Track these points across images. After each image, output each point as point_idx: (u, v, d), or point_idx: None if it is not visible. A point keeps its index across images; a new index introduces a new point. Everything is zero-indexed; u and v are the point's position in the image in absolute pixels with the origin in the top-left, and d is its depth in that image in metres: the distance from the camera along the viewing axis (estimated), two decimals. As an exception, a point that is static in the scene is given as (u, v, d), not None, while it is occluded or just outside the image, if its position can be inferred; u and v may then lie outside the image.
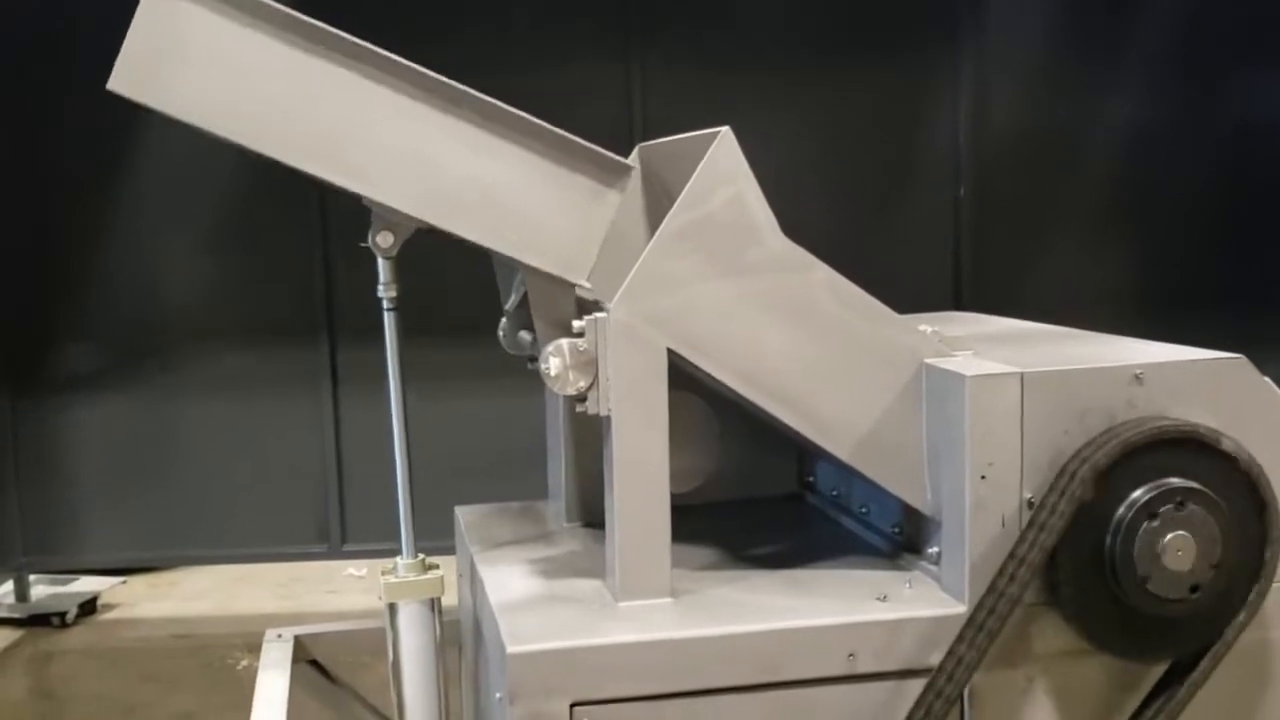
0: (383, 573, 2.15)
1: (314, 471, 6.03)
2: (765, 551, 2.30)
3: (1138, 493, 1.89)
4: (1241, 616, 1.94)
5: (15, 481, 6.07)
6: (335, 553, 6.07)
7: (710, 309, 1.98)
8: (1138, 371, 1.95)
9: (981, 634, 1.86)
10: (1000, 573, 1.88)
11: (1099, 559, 1.89)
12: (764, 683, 1.88)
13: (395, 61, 1.92)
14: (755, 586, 2.10)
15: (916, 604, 1.97)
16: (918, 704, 1.86)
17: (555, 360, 1.94)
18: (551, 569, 2.23)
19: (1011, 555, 1.88)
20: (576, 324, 1.97)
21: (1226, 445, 1.91)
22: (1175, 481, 1.89)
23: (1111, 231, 6.15)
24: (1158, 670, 1.99)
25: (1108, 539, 1.89)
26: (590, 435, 2.46)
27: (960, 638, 1.87)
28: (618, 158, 2.00)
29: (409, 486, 2.17)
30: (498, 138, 1.96)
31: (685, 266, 1.96)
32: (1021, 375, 1.91)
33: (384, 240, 2.03)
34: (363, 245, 2.03)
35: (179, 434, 6.06)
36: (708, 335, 1.98)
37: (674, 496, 2.58)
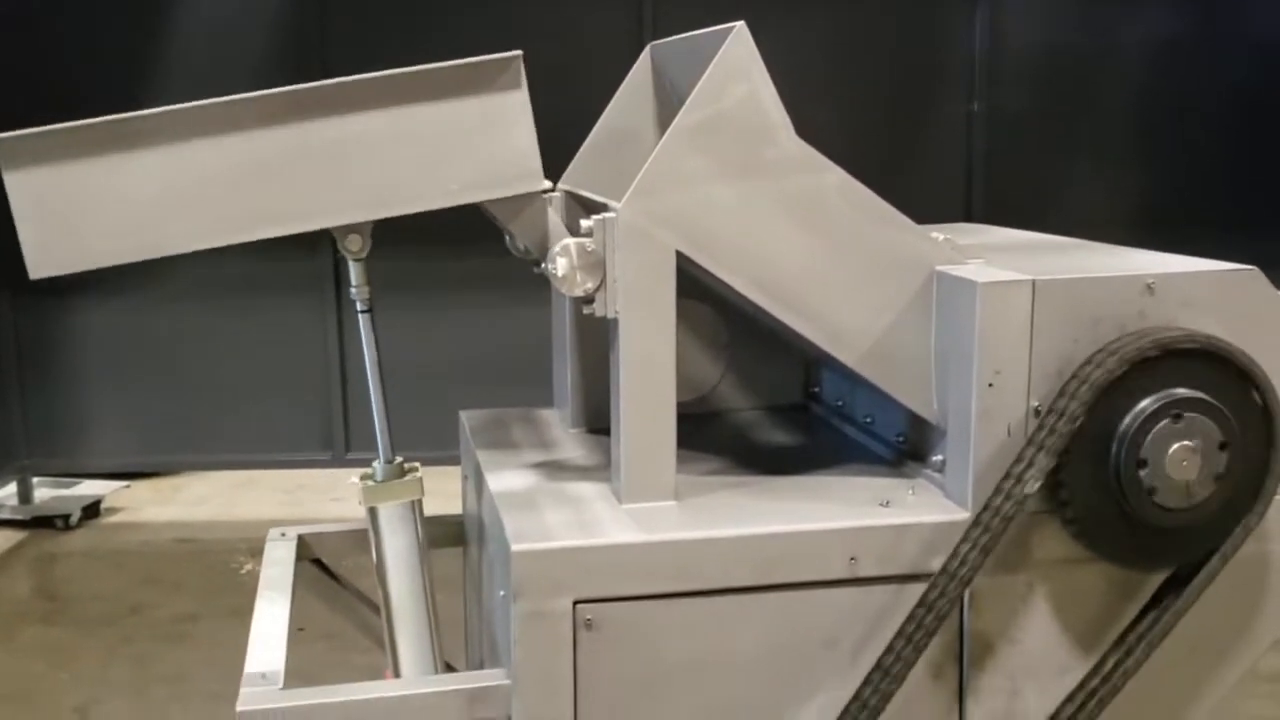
0: (361, 478, 2.16)
1: (318, 378, 6.05)
2: (769, 459, 2.30)
3: (1145, 402, 1.88)
4: (1243, 528, 1.94)
5: (18, 384, 6.08)
6: (339, 460, 6.10)
7: (721, 210, 1.96)
8: (1149, 281, 1.93)
9: (985, 538, 1.86)
10: (1005, 479, 1.88)
11: (1104, 468, 1.89)
12: (764, 584, 1.89)
13: (242, 102, 1.86)
14: (758, 491, 2.10)
15: (919, 510, 1.97)
16: (919, 604, 1.87)
17: (563, 260, 1.93)
18: (555, 472, 2.23)
19: (1017, 461, 1.88)
20: (585, 223, 1.95)
21: (1236, 356, 1.90)
22: (1183, 392, 1.88)
23: (1128, 150, 6.10)
24: (1157, 579, 2.00)
25: (1113, 448, 1.88)
26: (596, 341, 2.46)
27: (964, 541, 1.87)
28: (492, 57, 1.91)
29: (382, 390, 2.16)
30: (369, 111, 1.88)
31: (696, 166, 1.94)
32: (1033, 283, 1.90)
33: (353, 244, 2.00)
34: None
35: (183, 338, 6.07)
36: (718, 237, 1.96)
37: (680, 405, 2.61)
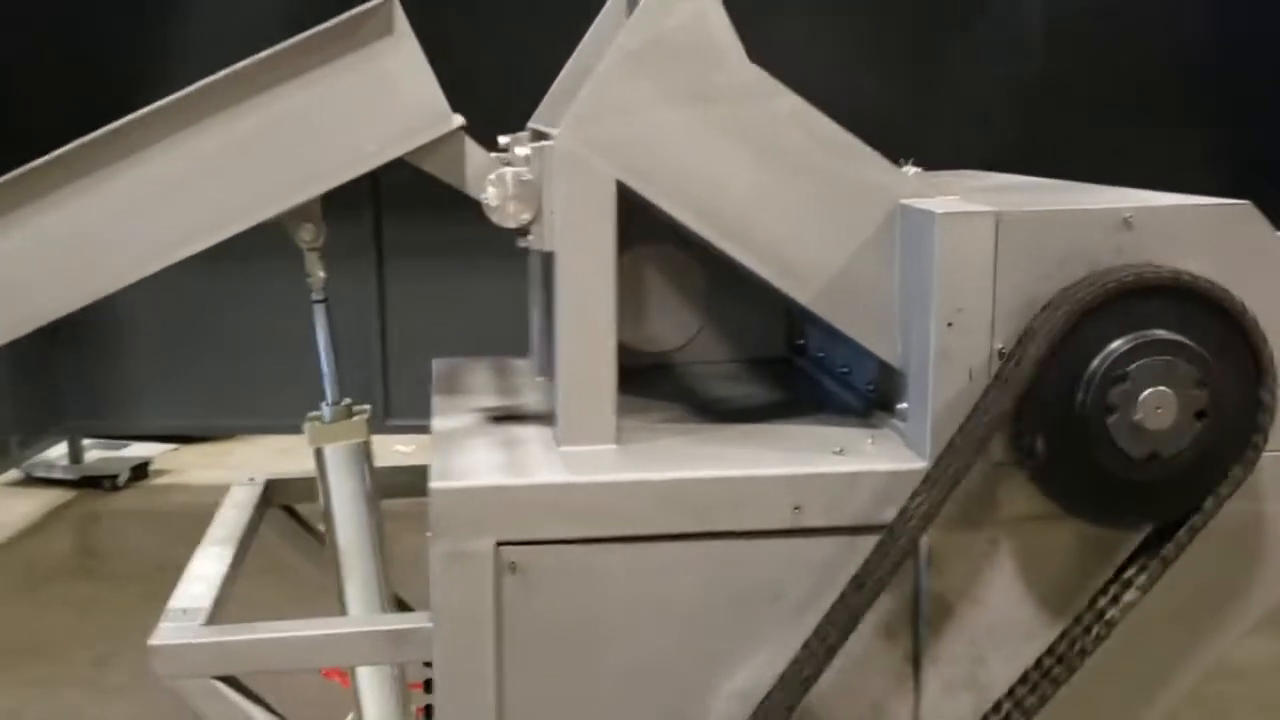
0: (309, 419, 2.10)
1: (360, 345, 6.03)
2: (735, 408, 2.19)
3: (1114, 344, 1.73)
4: (1226, 485, 1.78)
5: (71, 346, 6.15)
6: (379, 427, 6.05)
7: (665, 138, 1.85)
8: (1127, 215, 1.78)
9: (939, 488, 1.73)
10: (963, 425, 1.75)
11: (1069, 415, 1.75)
12: (703, 531, 1.79)
13: (141, 120, 1.81)
14: (708, 438, 1.99)
15: (873, 458, 1.85)
16: (868, 560, 1.75)
17: (494, 190, 1.83)
18: (504, 415, 2.14)
19: (976, 407, 1.75)
20: (520, 151, 1.85)
21: (1219, 296, 1.75)
22: (1157, 333, 1.74)
23: (1185, 118, 5.81)
24: (1135, 538, 1.85)
25: (1079, 393, 1.74)
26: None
27: (917, 491, 1.75)
28: (361, 8, 1.81)
29: (330, 334, 2.11)
30: (265, 95, 1.81)
31: (639, 90, 1.83)
32: (997, 215, 1.76)
33: (306, 234, 1.97)
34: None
35: (229, 304, 6.09)
36: (662, 167, 1.85)
37: (658, 354, 2.52)
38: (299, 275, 2.01)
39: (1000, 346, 1.78)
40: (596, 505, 1.77)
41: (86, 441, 6.45)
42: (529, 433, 2.00)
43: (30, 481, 6.37)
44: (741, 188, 1.87)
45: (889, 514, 1.77)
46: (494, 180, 1.83)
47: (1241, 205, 1.81)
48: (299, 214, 1.95)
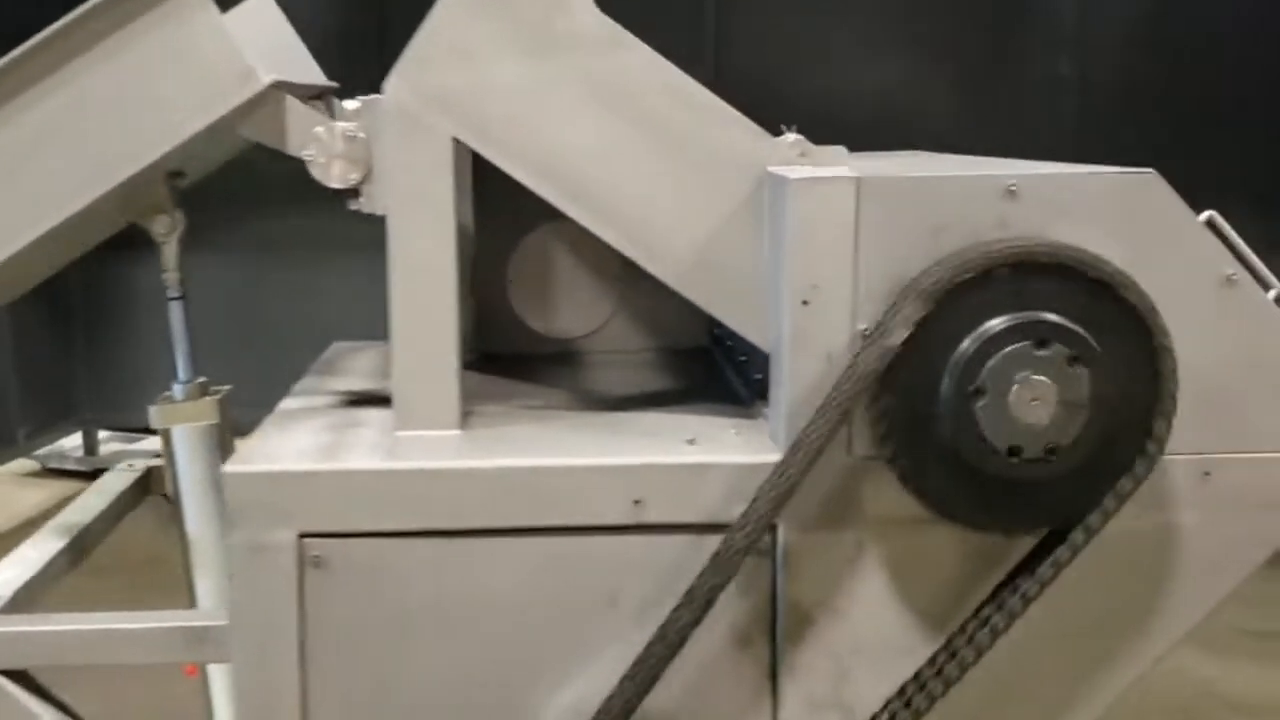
0: (160, 399, 1.97)
1: (376, 338, 5.93)
2: (612, 397, 2.02)
3: (985, 325, 1.53)
4: (1122, 488, 1.57)
5: (86, 338, 6.15)
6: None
7: (506, 91, 1.69)
8: (1011, 184, 1.58)
9: (782, 484, 1.55)
10: (816, 415, 1.56)
11: (933, 405, 1.55)
12: (533, 526, 1.62)
13: None
14: (565, 425, 1.83)
15: (726, 449, 1.67)
16: (710, 562, 1.57)
17: (317, 146, 1.69)
18: (360, 399, 1.99)
19: (831, 394, 1.56)
20: (348, 104, 1.70)
21: (1109, 275, 1.54)
22: (1035, 315, 1.53)
23: (1244, 125, 5.49)
24: (1027, 546, 1.65)
25: (944, 381, 1.54)
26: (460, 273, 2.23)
27: (761, 488, 1.56)
28: None
29: (184, 314, 1.99)
30: (49, 77, 1.68)
31: (476, 37, 1.67)
32: (857, 180, 1.57)
33: (160, 226, 1.88)
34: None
35: (245, 297, 6.04)
36: (503, 123, 1.69)
37: (569, 341, 2.36)
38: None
39: (864, 328, 1.59)
40: (412, 495, 1.61)
41: (103, 434, 6.44)
42: (374, 416, 1.85)
43: (46, 472, 6.36)
44: (589, 148, 1.70)
45: (741, 511, 1.59)
46: (317, 134, 1.68)
47: (1145, 175, 1.61)
48: (148, 206, 1.85)
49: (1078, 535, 1.58)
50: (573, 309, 2.32)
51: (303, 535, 1.59)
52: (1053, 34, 5.59)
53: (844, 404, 1.54)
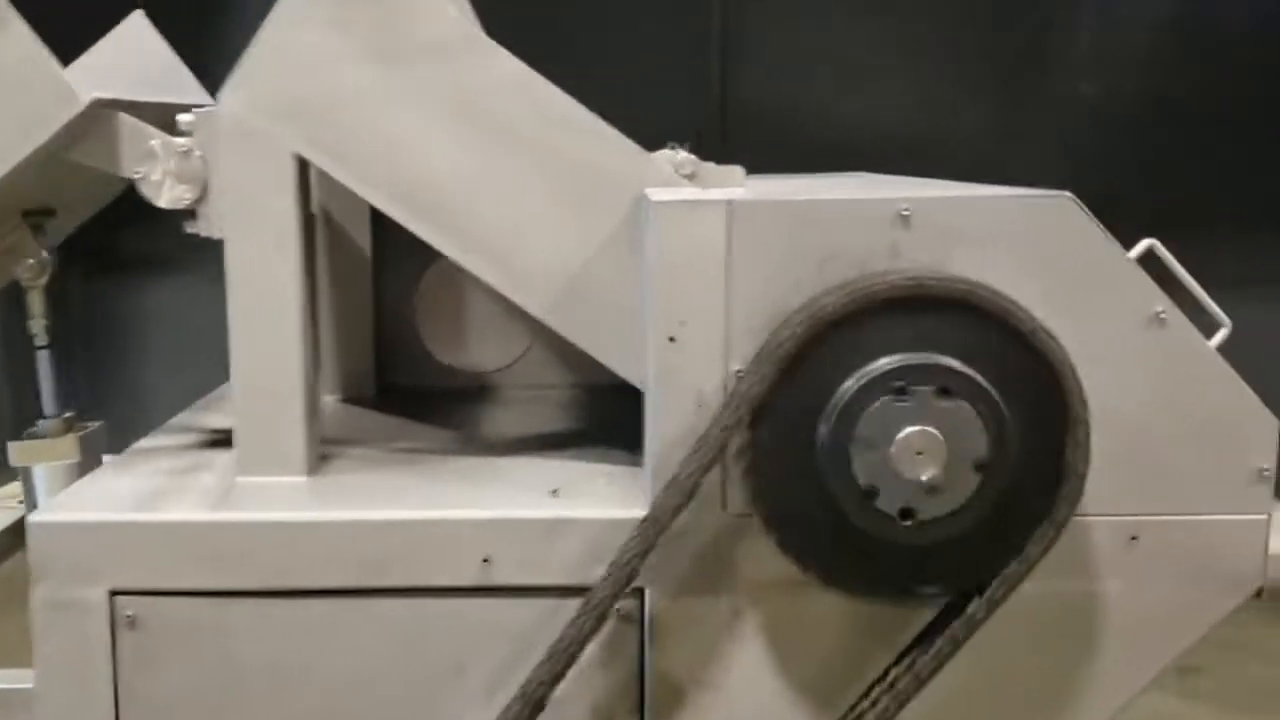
0: (26, 435, 1.84)
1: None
2: (503, 439, 1.86)
3: (865, 369, 1.36)
4: (1028, 553, 1.39)
5: (85, 361, 6.06)
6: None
7: (353, 102, 1.53)
8: (903, 209, 1.40)
9: (639, 543, 1.38)
10: (681, 466, 1.39)
11: (808, 458, 1.38)
12: (369, 587, 1.46)
13: None
14: (428, 472, 1.66)
15: (586, 503, 1.49)
16: (565, 631, 1.40)
17: (151, 164, 1.54)
18: (224, 438, 1.83)
19: (698, 442, 1.39)
20: (184, 119, 1.55)
21: (1009, 313, 1.36)
22: (923, 357, 1.36)
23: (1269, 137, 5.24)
24: (928, 614, 1.46)
25: (821, 427, 1.37)
26: (351, 296, 2.09)
27: (624, 547, 1.39)
28: None
29: (50, 361, 1.85)
30: None
31: (322, 44, 1.52)
32: (728, 204, 1.40)
33: (29, 272, 1.76)
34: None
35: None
36: (351, 139, 1.53)
37: (482, 375, 2.20)
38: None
39: (737, 369, 1.42)
40: (237, 550, 1.45)
41: (106, 458, 6.34)
42: (225, 460, 1.69)
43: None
44: (448, 168, 1.54)
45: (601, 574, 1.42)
46: (148, 152, 1.53)
47: (1057, 198, 1.42)
48: (8, 248, 1.74)
49: (978, 608, 1.39)
50: (485, 341, 2.16)
51: (114, 592, 1.43)
52: (1072, 52, 5.41)
53: (709, 454, 1.37)
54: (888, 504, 1.35)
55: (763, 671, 1.48)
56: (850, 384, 1.35)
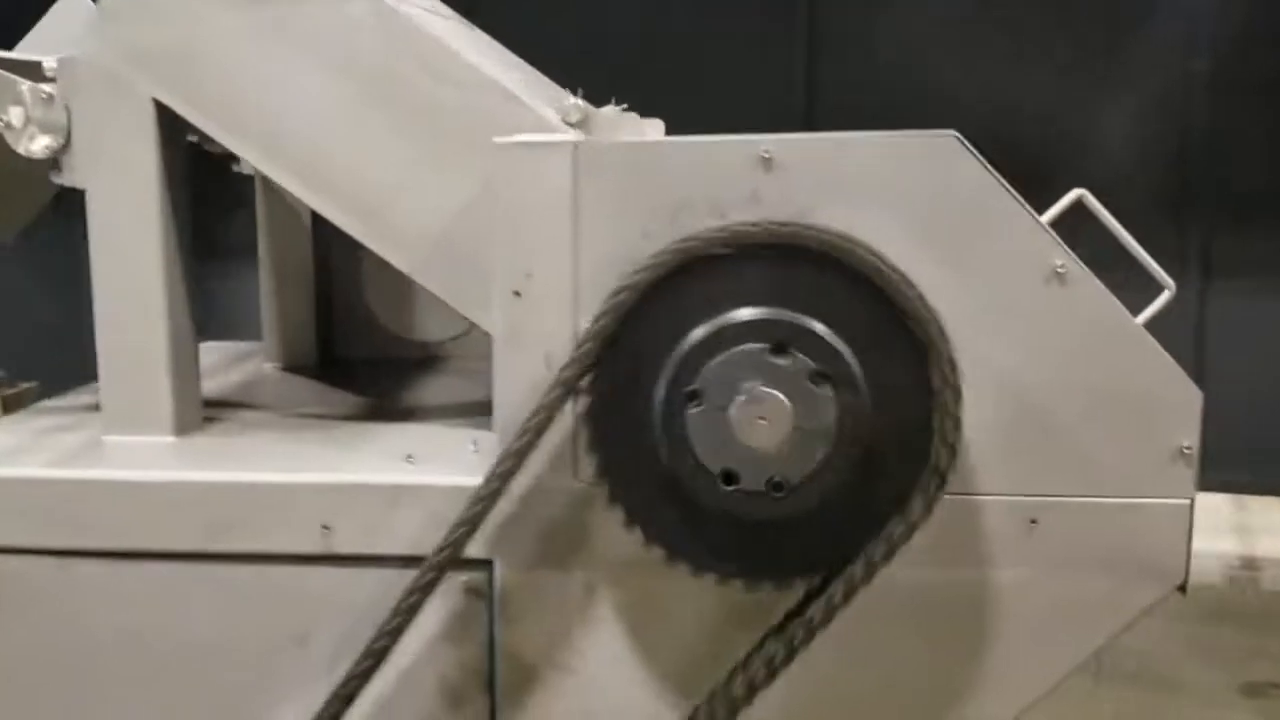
0: None
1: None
2: (415, 408, 1.78)
3: (704, 328, 1.24)
4: (890, 534, 1.25)
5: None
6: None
7: (214, 46, 1.47)
8: (764, 151, 1.28)
9: (474, 510, 1.28)
10: (519, 429, 1.29)
11: (645, 423, 1.26)
12: (214, 552, 1.39)
13: None
14: (299, 439, 1.58)
15: (438, 469, 1.40)
16: (391, 613, 1.31)
17: (16, 110, 1.49)
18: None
19: (538, 403, 1.29)
20: (47, 63, 1.51)
21: (871, 266, 1.23)
22: (769, 312, 1.23)
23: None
24: (793, 597, 1.34)
25: (659, 393, 1.25)
26: (290, 262, 2.04)
27: (461, 516, 1.30)
28: None
29: None
30: None
31: (179, -14, 1.46)
32: (574, 146, 1.30)
33: None
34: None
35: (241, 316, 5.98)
36: (211, 83, 1.47)
37: (432, 345, 2.14)
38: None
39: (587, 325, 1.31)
40: (81, 509, 1.40)
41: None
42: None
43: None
44: (311, 116, 1.46)
45: (443, 543, 1.33)
46: (13, 98, 1.49)
47: (937, 137, 1.28)
48: None
49: (835, 589, 1.26)
50: (434, 311, 2.09)
51: (-54, 552, 1.40)
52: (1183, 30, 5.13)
53: (546, 414, 1.27)
54: (719, 468, 1.22)
55: (619, 653, 1.37)
56: (691, 340, 1.24)
